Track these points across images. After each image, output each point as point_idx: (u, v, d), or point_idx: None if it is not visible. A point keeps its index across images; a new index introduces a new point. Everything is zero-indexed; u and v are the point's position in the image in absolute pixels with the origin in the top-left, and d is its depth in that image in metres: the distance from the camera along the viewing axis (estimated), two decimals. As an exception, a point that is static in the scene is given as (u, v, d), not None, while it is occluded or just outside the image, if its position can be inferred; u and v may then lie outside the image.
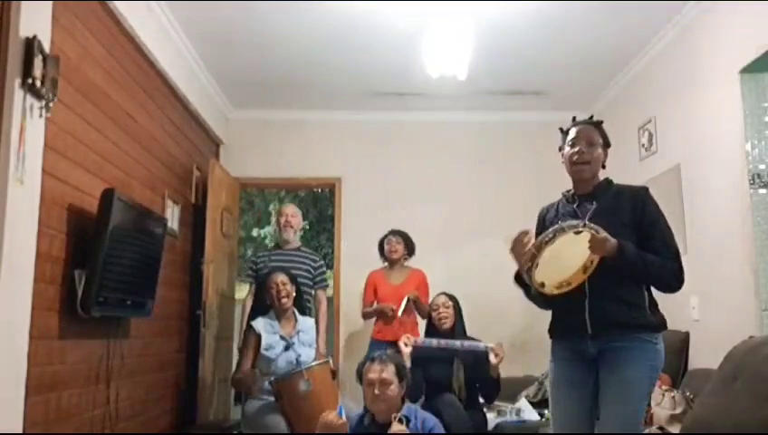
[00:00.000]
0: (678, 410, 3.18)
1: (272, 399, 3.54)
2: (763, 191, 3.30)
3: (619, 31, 4.20)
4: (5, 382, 2.37)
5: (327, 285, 4.77)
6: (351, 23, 4.09)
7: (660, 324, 2.30)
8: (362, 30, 4.19)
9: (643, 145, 4.61)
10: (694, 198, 3.89)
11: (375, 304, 4.60)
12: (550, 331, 2.45)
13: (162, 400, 4.22)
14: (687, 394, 3.25)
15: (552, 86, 5.15)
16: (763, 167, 3.30)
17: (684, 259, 4.03)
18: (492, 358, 3.60)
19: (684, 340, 3.78)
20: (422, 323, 4.51)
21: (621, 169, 4.92)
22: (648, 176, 4.46)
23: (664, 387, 3.39)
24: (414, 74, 4.70)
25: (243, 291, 5.40)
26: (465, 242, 5.53)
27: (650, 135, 4.50)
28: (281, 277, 3.84)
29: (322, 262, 4.70)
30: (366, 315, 4.72)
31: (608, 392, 2.23)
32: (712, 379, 2.85)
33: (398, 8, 3.91)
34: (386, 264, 4.73)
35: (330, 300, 5.29)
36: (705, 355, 3.53)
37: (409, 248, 4.71)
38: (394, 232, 4.72)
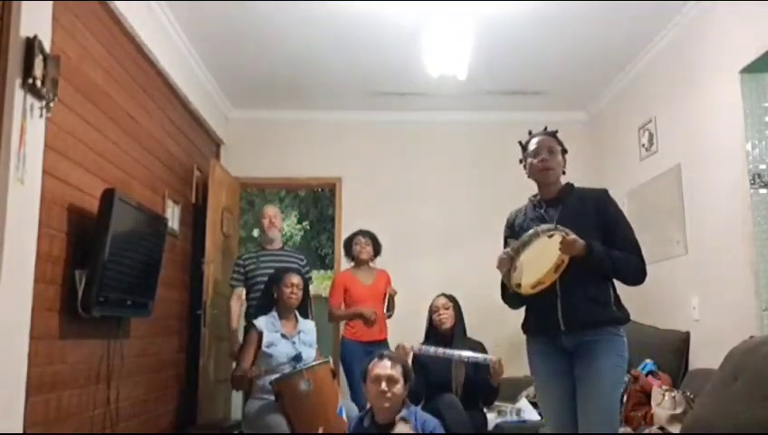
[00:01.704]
0: (679, 411, 3.18)
1: (272, 398, 3.54)
2: (763, 191, 3.30)
3: (619, 31, 4.20)
4: (6, 382, 2.37)
5: (311, 283, 4.77)
6: (351, 22, 4.09)
7: (625, 318, 2.47)
8: (362, 30, 4.19)
9: (643, 145, 4.61)
10: (694, 198, 3.89)
11: (343, 306, 4.55)
12: (523, 327, 2.62)
13: (162, 399, 4.22)
14: (688, 394, 3.25)
15: (552, 86, 5.15)
16: (763, 167, 3.30)
17: (684, 259, 4.05)
18: (491, 370, 3.57)
19: (684, 340, 3.78)
20: (418, 324, 4.51)
21: (622, 169, 4.94)
22: (648, 176, 4.47)
23: (665, 387, 3.39)
24: (414, 74, 4.70)
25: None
26: (465, 242, 5.53)
27: (651, 135, 4.50)
28: (297, 279, 3.87)
29: (306, 261, 4.72)
30: (339, 318, 4.64)
31: (584, 384, 2.39)
32: (712, 379, 2.86)
33: (399, 8, 3.90)
34: (352, 264, 4.70)
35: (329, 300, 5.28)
36: (706, 355, 3.53)
37: (376, 249, 4.68)
38: (363, 232, 4.67)
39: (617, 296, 2.48)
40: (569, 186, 2.60)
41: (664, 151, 4.32)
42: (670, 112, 4.22)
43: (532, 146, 2.61)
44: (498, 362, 3.58)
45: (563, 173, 2.61)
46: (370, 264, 4.69)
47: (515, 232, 2.58)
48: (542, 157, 2.55)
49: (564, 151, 2.62)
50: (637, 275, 2.45)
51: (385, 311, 4.46)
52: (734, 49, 3.42)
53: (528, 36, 4.28)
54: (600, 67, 4.79)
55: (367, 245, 4.62)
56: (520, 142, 2.70)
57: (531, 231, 2.36)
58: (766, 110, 3.34)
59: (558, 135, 2.65)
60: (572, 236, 2.32)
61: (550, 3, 3.84)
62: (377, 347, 4.02)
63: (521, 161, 2.68)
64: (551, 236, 2.33)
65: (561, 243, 2.31)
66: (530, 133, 2.69)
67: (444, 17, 3.89)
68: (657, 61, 4.40)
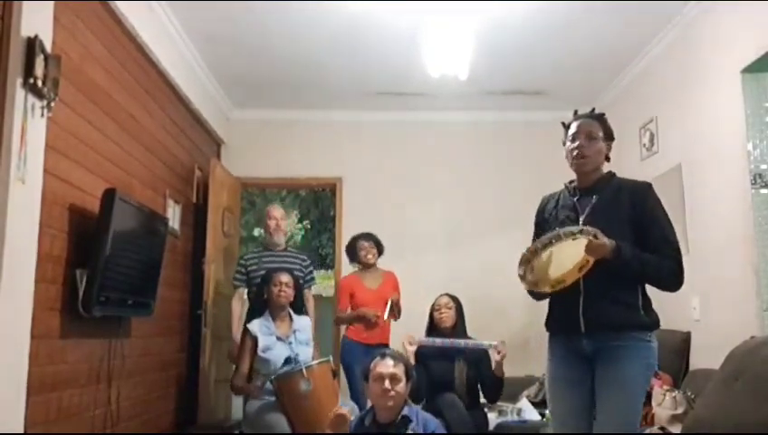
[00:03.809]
0: (680, 411, 3.18)
1: (272, 398, 3.54)
2: (764, 191, 3.29)
3: (619, 31, 4.19)
4: (6, 382, 2.37)
5: (314, 284, 4.78)
6: (352, 23, 4.09)
7: (654, 323, 2.31)
8: (363, 30, 4.19)
9: (644, 145, 4.61)
10: (695, 199, 3.88)
11: (349, 310, 4.54)
12: (546, 325, 2.46)
13: (163, 399, 4.22)
14: (689, 394, 3.24)
15: (553, 86, 5.15)
16: (764, 167, 3.30)
17: (685, 259, 4.01)
18: (494, 355, 3.64)
19: (685, 340, 3.78)
20: (419, 323, 4.51)
21: (623, 169, 4.88)
22: (649, 176, 4.44)
23: (665, 387, 3.39)
24: (415, 74, 4.70)
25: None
26: (466, 242, 5.53)
27: (651, 135, 4.50)
28: (286, 278, 3.87)
29: (310, 261, 4.71)
30: (342, 321, 4.64)
31: (604, 391, 2.24)
32: (713, 379, 2.85)
33: (399, 8, 3.90)
34: (357, 268, 4.69)
35: (330, 299, 5.29)
36: (707, 355, 3.53)
37: (380, 250, 4.67)
38: (365, 236, 4.64)
39: (647, 300, 2.31)
40: (609, 175, 2.41)
41: (665, 151, 4.32)
42: (671, 112, 4.22)
43: (571, 129, 2.39)
44: (501, 344, 3.63)
45: (607, 160, 2.41)
46: (376, 265, 4.69)
47: (545, 219, 2.43)
48: (579, 143, 2.34)
49: (609, 138, 2.41)
50: (671, 281, 2.27)
51: (385, 317, 4.41)
52: (735, 49, 3.42)
53: (529, 36, 4.27)
54: (600, 67, 4.79)
55: (372, 248, 4.60)
56: (563, 123, 2.48)
57: (552, 233, 2.16)
58: (767, 110, 3.34)
59: (605, 118, 2.43)
60: (601, 238, 2.13)
61: (551, 3, 3.84)
62: (378, 350, 4.04)
63: (564, 144, 2.44)
64: (575, 239, 2.15)
65: (586, 247, 2.13)
66: (575, 113, 2.46)
67: (444, 17, 3.89)
68: (658, 61, 4.40)
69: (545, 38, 4.31)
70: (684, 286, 3.95)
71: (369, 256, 4.59)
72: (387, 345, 4.37)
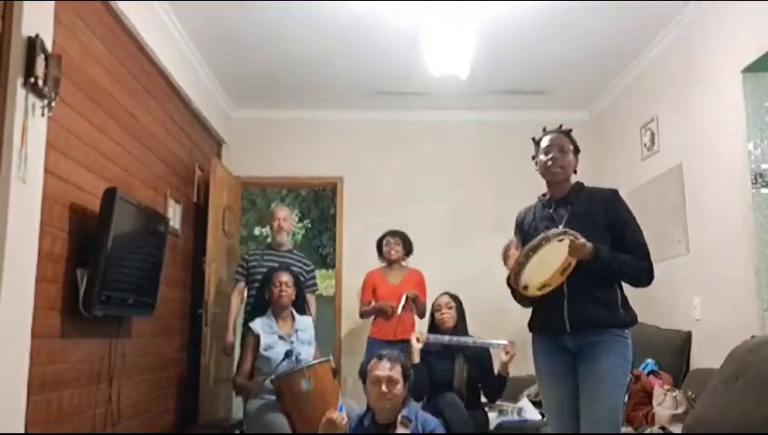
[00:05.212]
0: (680, 410, 3.18)
1: (273, 398, 3.54)
2: (765, 191, 3.29)
3: (620, 30, 4.19)
4: (7, 382, 2.37)
5: (316, 289, 4.80)
6: (353, 22, 4.09)
7: (633, 320, 2.48)
8: (364, 29, 4.19)
9: (645, 144, 4.61)
10: (696, 198, 3.88)
11: (373, 303, 4.62)
12: (529, 326, 2.62)
13: (164, 399, 4.22)
14: (689, 394, 3.25)
15: (553, 86, 5.15)
16: (765, 166, 3.30)
17: (685, 259, 4.05)
18: (502, 356, 3.65)
19: (686, 339, 3.78)
20: (420, 322, 4.52)
21: (623, 168, 4.94)
22: (649, 175, 4.47)
23: (666, 387, 3.39)
24: (415, 74, 4.70)
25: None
26: (466, 242, 5.53)
27: (652, 135, 4.50)
28: (285, 277, 3.87)
29: (313, 266, 4.75)
30: (364, 314, 4.74)
31: (586, 384, 2.40)
32: (714, 378, 2.86)
33: (400, 7, 3.90)
34: (384, 264, 4.76)
35: (331, 299, 5.29)
36: (707, 355, 3.53)
37: (407, 248, 4.75)
38: (392, 232, 4.75)
39: (624, 298, 2.48)
40: (579, 185, 2.60)
41: (665, 151, 4.32)
42: (672, 112, 4.22)
43: (543, 143, 2.59)
44: (511, 344, 3.68)
45: (575, 172, 2.61)
46: (402, 263, 4.76)
47: (525, 231, 2.59)
48: (552, 155, 2.54)
49: (577, 151, 2.61)
50: (643, 278, 2.46)
51: (398, 311, 4.47)
52: (736, 48, 3.41)
53: (529, 36, 4.27)
54: (601, 66, 4.78)
55: (396, 245, 4.70)
56: (533, 138, 2.67)
57: (541, 236, 2.33)
58: (768, 109, 3.34)
59: (572, 134, 2.63)
60: (581, 240, 2.32)
61: (551, 3, 3.83)
62: (400, 347, 4.04)
63: (533, 158, 2.66)
64: (560, 241, 2.32)
65: (569, 247, 2.31)
66: (544, 130, 2.67)
67: (445, 17, 3.89)
68: (659, 60, 4.40)
69: (545, 38, 4.31)
70: (684, 286, 3.98)
71: (393, 253, 4.68)
72: (409, 341, 4.37)
